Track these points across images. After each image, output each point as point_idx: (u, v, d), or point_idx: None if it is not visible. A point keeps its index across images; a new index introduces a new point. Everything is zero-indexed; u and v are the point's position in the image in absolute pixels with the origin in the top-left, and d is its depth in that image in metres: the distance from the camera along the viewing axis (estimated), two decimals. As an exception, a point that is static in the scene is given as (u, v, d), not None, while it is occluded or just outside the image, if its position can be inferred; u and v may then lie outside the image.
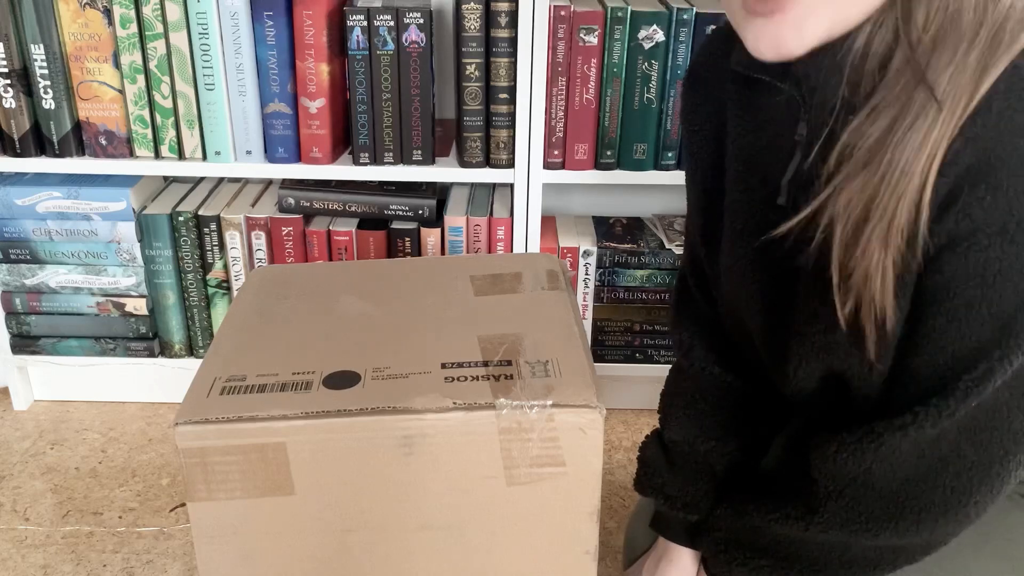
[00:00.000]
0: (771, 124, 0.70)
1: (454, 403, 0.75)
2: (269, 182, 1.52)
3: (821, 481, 0.71)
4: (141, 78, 1.31)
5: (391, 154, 1.35)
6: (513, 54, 1.29)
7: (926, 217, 0.60)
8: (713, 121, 0.78)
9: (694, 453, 0.84)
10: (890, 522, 0.70)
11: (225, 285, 1.46)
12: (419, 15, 1.27)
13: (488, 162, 1.36)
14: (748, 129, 0.73)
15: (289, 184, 1.40)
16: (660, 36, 1.29)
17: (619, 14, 1.27)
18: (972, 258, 0.61)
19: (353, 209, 1.40)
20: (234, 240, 1.42)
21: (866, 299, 0.65)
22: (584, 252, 1.44)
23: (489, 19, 1.27)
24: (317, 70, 1.30)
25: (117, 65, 1.31)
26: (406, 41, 1.28)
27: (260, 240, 1.42)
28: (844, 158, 0.63)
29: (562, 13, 1.27)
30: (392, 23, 1.27)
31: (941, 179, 0.59)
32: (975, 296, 0.61)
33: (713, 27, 1.28)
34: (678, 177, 1.36)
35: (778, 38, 0.60)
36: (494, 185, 1.49)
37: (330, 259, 1.42)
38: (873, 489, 0.69)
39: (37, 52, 1.30)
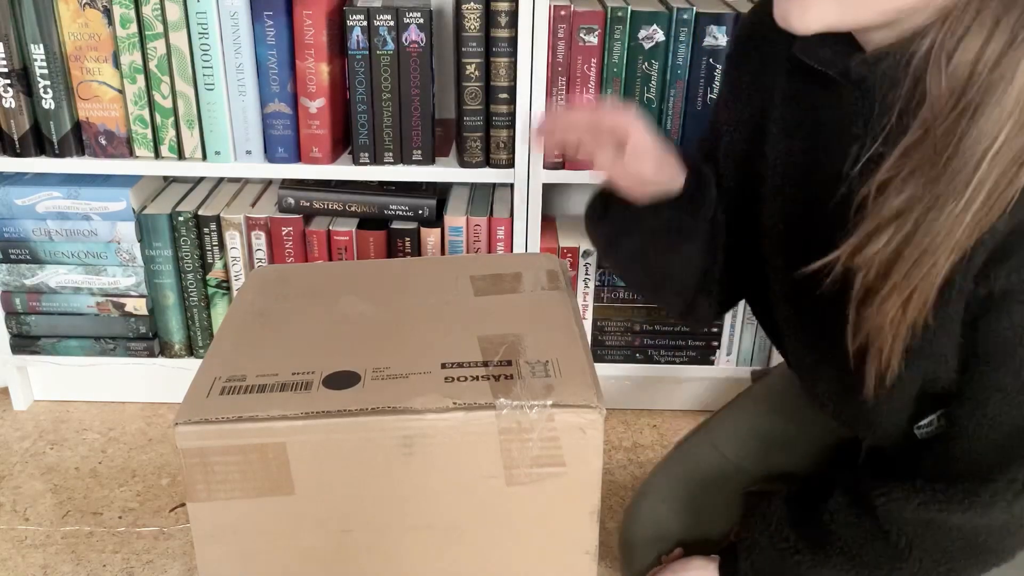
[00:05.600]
0: (830, 110, 0.69)
1: (454, 403, 0.75)
2: (269, 182, 1.51)
3: (897, 532, 0.71)
4: (141, 78, 1.31)
5: (391, 154, 1.35)
6: (513, 54, 1.29)
7: (966, 274, 0.60)
8: (758, 90, 0.78)
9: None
10: (975, 557, 0.70)
11: (225, 285, 1.46)
12: (419, 15, 1.27)
13: (488, 162, 1.36)
14: (801, 109, 0.72)
15: (289, 184, 1.40)
16: (660, 36, 1.29)
17: (619, 14, 1.27)
18: None
19: (353, 209, 1.40)
20: (234, 240, 1.42)
21: (873, 349, 0.65)
22: (584, 252, 1.43)
23: (489, 19, 1.27)
24: (317, 70, 1.30)
25: (117, 65, 1.31)
26: (406, 41, 1.28)
27: (260, 240, 1.42)
28: (878, 195, 0.62)
29: (562, 13, 1.27)
30: (392, 23, 1.27)
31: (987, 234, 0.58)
32: None
33: (714, 26, 1.28)
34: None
35: (786, 12, 0.63)
36: (494, 185, 1.49)
37: (330, 259, 1.42)
38: (954, 529, 0.69)
39: (37, 52, 1.30)
